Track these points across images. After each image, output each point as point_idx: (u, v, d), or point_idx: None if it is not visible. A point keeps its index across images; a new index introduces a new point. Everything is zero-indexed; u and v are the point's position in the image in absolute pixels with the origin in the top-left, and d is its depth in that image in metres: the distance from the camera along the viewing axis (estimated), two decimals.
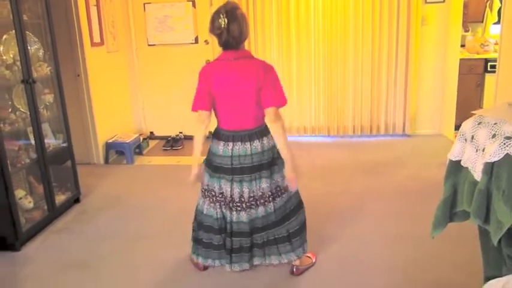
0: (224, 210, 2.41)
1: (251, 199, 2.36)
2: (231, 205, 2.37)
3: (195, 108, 2.38)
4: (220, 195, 2.40)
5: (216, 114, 2.41)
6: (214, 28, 2.22)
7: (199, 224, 2.53)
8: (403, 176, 3.99)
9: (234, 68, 2.25)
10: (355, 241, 2.91)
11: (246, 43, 2.35)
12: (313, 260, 2.66)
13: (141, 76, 5.43)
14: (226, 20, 2.16)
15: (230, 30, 2.18)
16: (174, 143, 5.19)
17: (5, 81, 3.04)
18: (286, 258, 2.48)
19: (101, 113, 4.59)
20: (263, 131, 2.36)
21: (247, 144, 2.31)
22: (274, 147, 2.40)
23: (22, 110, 3.16)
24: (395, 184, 3.82)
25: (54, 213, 3.35)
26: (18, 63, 3.05)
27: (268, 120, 2.29)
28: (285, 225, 2.45)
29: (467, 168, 1.81)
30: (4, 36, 3.05)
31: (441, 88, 5.11)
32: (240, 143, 2.31)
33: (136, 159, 4.84)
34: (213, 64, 2.34)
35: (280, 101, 2.29)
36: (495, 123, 1.69)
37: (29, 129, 3.18)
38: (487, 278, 1.78)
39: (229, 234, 2.40)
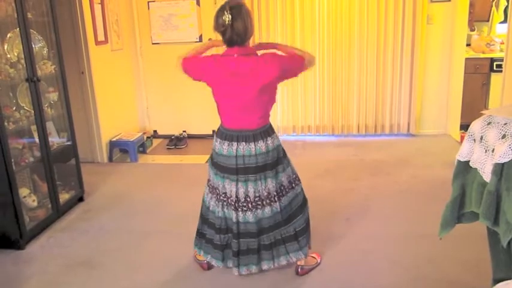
0: (226, 211, 2.39)
1: (257, 199, 2.34)
2: (236, 205, 2.35)
3: (185, 65, 2.35)
4: (223, 195, 2.39)
5: (219, 113, 2.38)
6: (218, 25, 2.18)
7: (204, 218, 2.53)
8: (408, 175, 3.97)
9: (238, 65, 2.21)
10: (361, 240, 2.89)
11: (250, 41, 2.31)
12: (318, 260, 2.64)
13: (145, 75, 5.42)
14: (230, 17, 2.12)
15: (234, 27, 2.14)
16: (178, 142, 5.18)
17: (10, 80, 3.03)
18: (295, 257, 2.45)
19: (105, 111, 4.58)
20: (267, 131, 2.34)
21: (252, 145, 2.28)
22: (279, 146, 2.39)
23: (26, 108, 3.16)
24: (400, 183, 3.80)
25: (58, 211, 3.34)
26: (23, 61, 3.04)
27: None
28: (292, 223, 2.43)
29: (476, 169, 1.79)
30: (8, 35, 3.04)
31: (446, 87, 5.08)
32: (244, 143, 2.28)
33: (140, 157, 4.83)
34: (217, 59, 2.27)
35: (300, 62, 2.30)
36: (505, 124, 1.67)
37: (33, 128, 3.18)
38: (496, 280, 1.76)
39: (236, 235, 2.38)
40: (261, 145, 2.29)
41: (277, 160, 2.37)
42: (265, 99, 2.28)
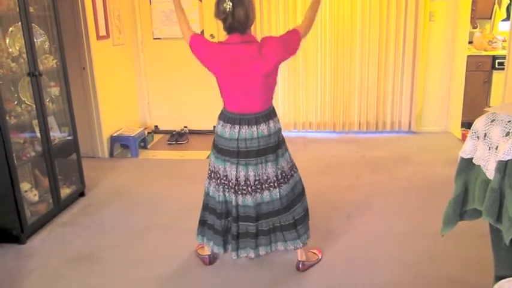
0: (227, 194, 2.40)
1: (256, 183, 2.35)
2: (236, 188, 2.35)
3: (193, 42, 2.32)
4: (224, 178, 2.39)
5: (222, 97, 2.38)
6: (219, 12, 2.19)
7: (205, 205, 2.54)
8: (409, 172, 3.97)
9: (240, 52, 2.21)
10: (362, 237, 2.90)
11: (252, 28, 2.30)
12: (319, 256, 2.64)
13: (147, 70, 5.41)
14: (231, 4, 2.13)
15: (235, 15, 2.14)
16: (179, 137, 5.18)
17: (11, 74, 3.02)
18: (292, 245, 2.46)
19: (106, 106, 4.57)
20: (270, 114, 2.35)
21: (254, 128, 2.29)
22: (280, 130, 2.40)
23: (28, 102, 3.15)
24: (401, 180, 3.80)
25: (59, 206, 3.34)
26: (24, 55, 3.03)
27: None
28: (291, 211, 2.43)
29: (479, 166, 1.79)
30: (10, 29, 3.03)
31: (448, 85, 5.07)
32: (246, 126, 2.29)
33: (141, 153, 4.82)
34: (219, 46, 2.30)
35: (295, 37, 2.29)
36: (509, 121, 1.67)
37: (35, 122, 3.17)
38: (498, 277, 1.76)
39: (235, 218, 2.39)
40: (263, 128, 2.30)
41: (278, 144, 2.38)
42: (269, 82, 2.30)
